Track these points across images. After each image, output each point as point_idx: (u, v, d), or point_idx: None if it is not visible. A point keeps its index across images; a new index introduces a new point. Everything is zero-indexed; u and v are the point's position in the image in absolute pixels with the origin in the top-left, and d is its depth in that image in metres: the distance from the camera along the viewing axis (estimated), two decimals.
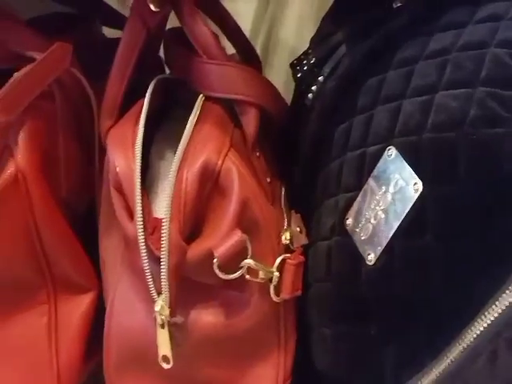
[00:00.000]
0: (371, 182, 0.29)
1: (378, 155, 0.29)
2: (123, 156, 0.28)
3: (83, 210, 0.37)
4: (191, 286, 0.29)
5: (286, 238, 0.32)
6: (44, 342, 0.33)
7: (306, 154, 0.38)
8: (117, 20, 0.49)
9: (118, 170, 0.28)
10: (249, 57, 0.43)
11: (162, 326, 0.27)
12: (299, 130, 0.39)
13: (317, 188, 0.37)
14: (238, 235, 0.27)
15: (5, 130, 0.30)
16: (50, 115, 0.34)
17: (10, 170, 0.30)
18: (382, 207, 0.28)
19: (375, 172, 0.29)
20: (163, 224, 0.26)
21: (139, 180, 0.27)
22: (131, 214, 0.28)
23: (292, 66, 0.40)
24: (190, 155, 0.28)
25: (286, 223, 0.33)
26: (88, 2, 0.47)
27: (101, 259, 0.34)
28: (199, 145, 0.29)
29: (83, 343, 0.34)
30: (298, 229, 0.34)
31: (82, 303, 0.35)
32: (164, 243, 0.26)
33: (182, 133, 0.34)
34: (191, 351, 0.29)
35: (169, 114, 0.37)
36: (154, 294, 0.27)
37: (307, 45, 0.68)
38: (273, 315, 0.31)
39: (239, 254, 0.27)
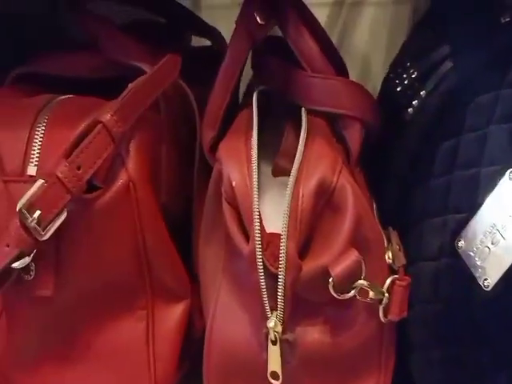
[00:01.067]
0: (489, 204, 0.28)
1: (497, 177, 0.29)
2: (239, 171, 0.28)
3: (179, 215, 0.37)
4: (298, 302, 0.29)
5: (388, 256, 0.31)
6: (142, 347, 0.34)
7: (401, 168, 0.37)
8: (202, 28, 0.50)
9: (234, 184, 0.28)
10: (337, 66, 0.43)
11: (274, 343, 0.27)
12: (394, 144, 0.38)
13: (414, 204, 0.36)
14: (354, 255, 0.27)
15: (120, 139, 0.30)
16: (155, 125, 0.34)
17: (122, 178, 0.31)
18: (501, 231, 0.28)
19: (494, 194, 0.28)
20: (281, 241, 0.26)
21: (257, 197, 0.27)
22: (243, 228, 0.29)
23: (388, 79, 0.40)
24: (304, 172, 0.28)
25: (385, 241, 0.33)
26: (177, 10, 0.48)
27: (200, 265, 0.35)
28: (313, 161, 0.29)
29: (178, 351, 0.35)
30: (398, 247, 0.33)
31: (177, 311, 0.35)
32: (282, 260, 0.26)
33: (278, 145, 0.34)
34: (297, 368, 0.29)
35: (261, 125, 0.37)
36: (268, 310, 0.27)
37: (380, 51, 0.67)
38: (377, 335, 0.30)
39: (354, 274, 0.27)
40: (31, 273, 0.30)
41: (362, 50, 0.68)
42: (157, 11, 0.51)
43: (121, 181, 0.31)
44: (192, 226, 0.38)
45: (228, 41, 0.36)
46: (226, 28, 0.39)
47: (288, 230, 0.27)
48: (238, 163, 0.28)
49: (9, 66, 0.39)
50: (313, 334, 0.29)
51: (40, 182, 0.29)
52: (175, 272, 0.35)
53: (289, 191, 0.27)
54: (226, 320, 0.31)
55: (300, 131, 0.36)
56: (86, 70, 0.38)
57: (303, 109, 0.34)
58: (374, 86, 0.49)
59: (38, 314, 0.33)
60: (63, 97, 0.35)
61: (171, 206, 0.36)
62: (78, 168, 0.29)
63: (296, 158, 0.29)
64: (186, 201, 0.38)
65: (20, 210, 0.28)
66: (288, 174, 0.34)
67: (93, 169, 0.29)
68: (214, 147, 0.35)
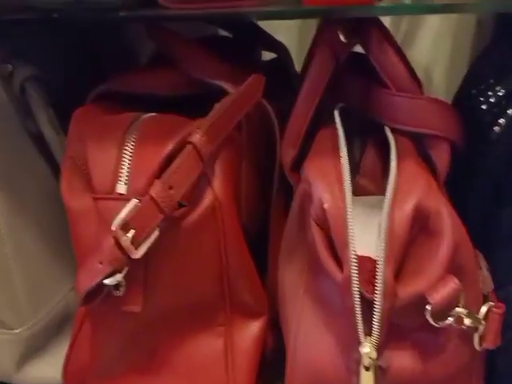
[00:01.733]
0: None
1: None
2: (330, 192, 0.28)
3: (254, 234, 0.37)
4: (390, 327, 0.28)
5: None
6: (221, 364, 0.34)
7: (484, 189, 0.36)
8: (268, 41, 0.51)
9: (325, 206, 0.27)
10: (418, 84, 0.42)
11: (367, 369, 0.27)
12: (477, 164, 0.37)
13: (500, 227, 0.35)
14: (454, 282, 0.26)
15: (208, 159, 0.31)
16: (237, 144, 0.34)
17: (208, 198, 0.31)
18: None
19: None
20: (378, 267, 0.26)
21: (351, 221, 0.27)
22: (333, 251, 0.28)
23: (469, 96, 0.39)
24: (398, 195, 0.28)
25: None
26: (244, 25, 0.49)
27: (278, 284, 0.35)
28: (407, 183, 0.28)
29: (256, 366, 0.35)
30: (486, 271, 0.32)
31: (255, 328, 0.35)
32: (379, 286, 0.26)
33: (353, 162, 0.34)
34: None
35: None
36: (362, 336, 0.27)
37: (442, 62, 0.66)
38: (468, 363, 0.29)
39: (453, 301, 0.26)
40: (121, 288, 0.31)
41: (424, 60, 0.67)
42: (223, 26, 0.51)
43: (207, 200, 0.31)
44: (264, 245, 0.39)
45: None
46: None
47: (385, 256, 0.26)
48: (329, 184, 0.28)
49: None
50: (404, 360, 0.28)
51: (134, 201, 0.29)
52: (254, 290, 0.35)
53: (385, 215, 0.27)
54: (311, 341, 0.31)
55: (379, 149, 0.36)
56: (165, 87, 0.38)
57: (387, 128, 0.34)
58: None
59: (122, 327, 0.33)
60: (147, 115, 0.35)
61: (249, 225, 0.36)
62: (170, 188, 0.29)
63: (390, 179, 0.28)
64: (260, 220, 0.38)
65: (115, 229, 0.29)
66: (370, 193, 0.34)
67: (184, 189, 0.30)
68: (294, 166, 0.35)
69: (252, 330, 0.35)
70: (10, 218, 0.37)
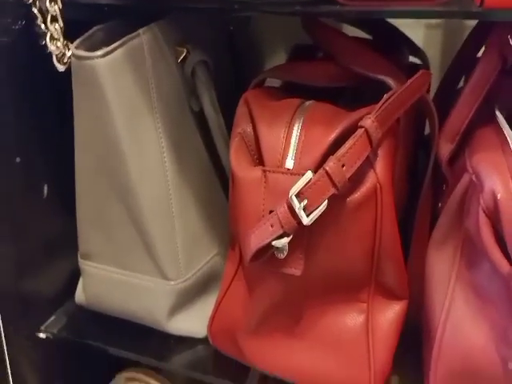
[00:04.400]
0: None
1: None
2: (504, 185, 0.29)
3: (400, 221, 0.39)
4: None
5: None
6: (362, 340, 0.36)
7: None
8: (411, 46, 0.52)
9: (499, 197, 0.29)
10: None
11: None
12: None
13: None
14: None
15: (376, 144, 0.33)
16: (396, 134, 0.37)
17: (370, 180, 0.34)
18: None
19: None
20: None
21: None
22: (499, 243, 0.29)
23: None
24: None
25: None
26: (387, 28, 0.51)
27: (426, 269, 0.36)
28: None
29: (394, 350, 0.37)
30: None
31: (394, 310, 0.37)
32: None
33: None
34: None
35: None
36: None
37: None
38: None
39: None
40: (284, 252, 0.34)
41: None
42: (369, 29, 0.54)
43: (369, 182, 0.34)
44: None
45: None
46: None
47: None
48: (502, 176, 0.30)
49: None
50: None
51: (309, 174, 0.32)
52: (399, 274, 0.37)
53: None
54: (462, 328, 0.32)
55: None
56: (324, 78, 0.41)
57: None
58: None
59: (275, 290, 0.37)
60: (310, 101, 0.39)
61: (398, 211, 0.38)
62: (343, 166, 0.32)
63: None
64: (402, 207, 0.40)
65: (291, 197, 0.32)
66: None
67: (354, 168, 0.32)
68: (451, 160, 0.36)
69: (393, 311, 0.37)
70: (177, 184, 0.42)
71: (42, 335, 0.46)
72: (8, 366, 0.46)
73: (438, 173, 0.39)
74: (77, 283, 0.49)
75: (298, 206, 0.32)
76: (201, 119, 0.45)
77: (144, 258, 0.43)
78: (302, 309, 0.37)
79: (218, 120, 0.45)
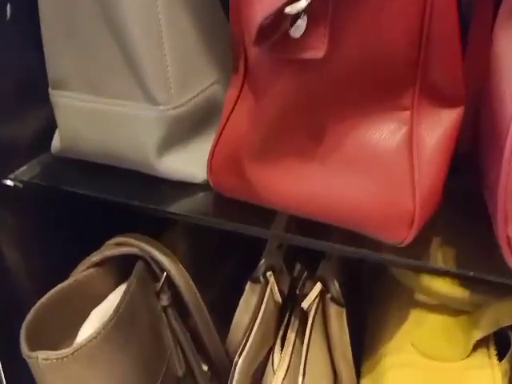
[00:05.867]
0: None
1: None
2: None
3: None
4: None
5: None
6: (403, 160, 0.28)
7: None
8: None
9: None
10: None
11: None
12: None
13: None
14: None
15: None
16: None
17: None
18: None
19: None
20: None
21: None
22: None
23: None
24: None
25: None
26: None
27: (491, 58, 0.27)
28: None
29: (443, 175, 0.28)
30: None
31: (446, 120, 0.28)
32: None
33: None
34: None
35: None
36: None
37: None
38: None
39: None
40: (301, 28, 0.25)
41: None
42: None
43: None
44: None
45: None
46: None
47: None
48: None
49: None
50: None
51: None
52: (452, 71, 0.28)
53: None
54: None
55: None
56: None
57: None
58: None
59: (291, 90, 0.28)
60: None
61: None
62: None
63: None
64: None
65: None
66: None
67: None
68: None
69: (442, 121, 0.28)
70: None
71: (9, 182, 0.39)
72: None
73: None
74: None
75: None
76: None
77: (126, 81, 0.34)
78: (325, 121, 0.29)
79: None
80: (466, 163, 0.32)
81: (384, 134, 0.28)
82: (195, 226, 0.46)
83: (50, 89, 0.38)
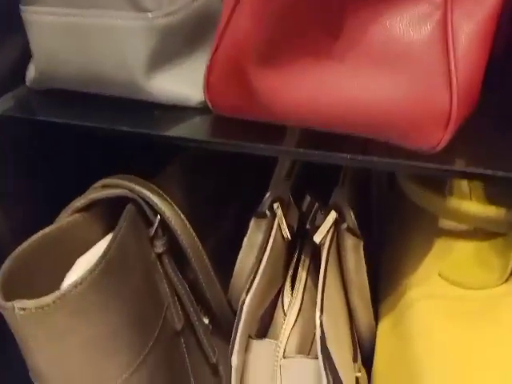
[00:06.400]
0: None
1: None
2: None
3: None
4: None
5: None
6: (436, 43, 0.24)
7: None
8: None
9: None
10: None
11: None
12: None
13: None
14: None
15: None
16: None
17: None
18: None
19: None
20: None
21: None
22: None
23: None
24: None
25: None
26: None
27: None
28: None
29: (482, 67, 0.24)
30: None
31: (486, 2, 0.25)
32: None
33: None
34: None
35: None
36: None
37: None
38: None
39: None
40: None
41: None
42: None
43: None
44: None
45: None
46: None
47: None
48: None
49: None
50: None
51: None
52: None
53: None
54: None
55: None
56: None
57: None
58: None
59: None
60: None
61: None
62: None
63: None
64: None
65: None
66: None
67: None
68: None
69: (484, 3, 0.24)
70: None
71: None
72: None
73: None
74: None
75: None
76: None
77: None
78: (341, 10, 0.24)
79: None
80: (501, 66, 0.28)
81: (413, 20, 0.24)
82: (191, 167, 0.41)
83: (21, 6, 0.33)
